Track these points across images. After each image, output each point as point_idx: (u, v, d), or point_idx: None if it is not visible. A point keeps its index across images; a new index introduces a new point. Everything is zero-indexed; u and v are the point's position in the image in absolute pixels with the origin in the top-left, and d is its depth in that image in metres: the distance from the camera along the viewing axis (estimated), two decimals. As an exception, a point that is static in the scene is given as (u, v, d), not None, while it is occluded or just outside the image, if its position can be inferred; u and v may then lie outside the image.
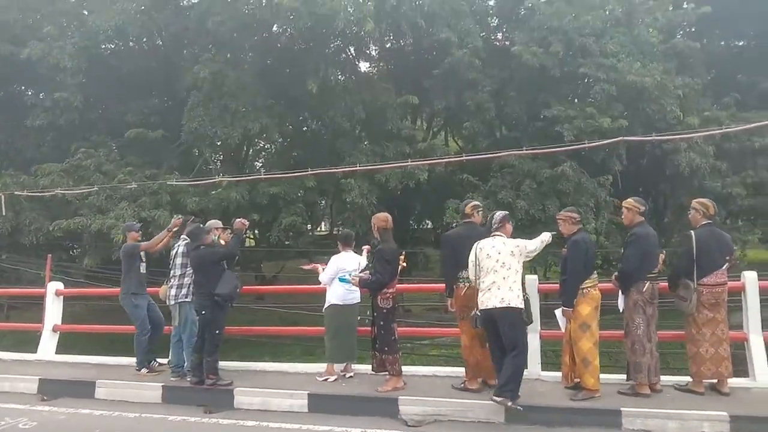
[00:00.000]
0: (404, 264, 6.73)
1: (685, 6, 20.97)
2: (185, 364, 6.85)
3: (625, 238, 5.76)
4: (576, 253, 5.57)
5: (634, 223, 5.76)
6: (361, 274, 6.52)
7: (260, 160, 25.48)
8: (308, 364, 7.62)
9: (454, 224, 17.39)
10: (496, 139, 23.06)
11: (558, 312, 5.79)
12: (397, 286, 6.48)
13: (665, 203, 22.85)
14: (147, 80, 18.51)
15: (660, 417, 5.03)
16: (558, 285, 5.77)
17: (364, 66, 22.87)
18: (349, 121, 18.15)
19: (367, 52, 21.60)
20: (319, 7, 14.65)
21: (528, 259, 5.59)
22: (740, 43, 23.58)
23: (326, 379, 6.63)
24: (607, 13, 18.43)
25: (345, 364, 6.81)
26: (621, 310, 5.73)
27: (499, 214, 5.89)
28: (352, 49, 20.39)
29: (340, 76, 17.98)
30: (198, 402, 6.39)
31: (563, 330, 5.79)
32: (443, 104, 18.83)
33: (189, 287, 6.78)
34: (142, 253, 7.37)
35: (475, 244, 5.69)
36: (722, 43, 23.07)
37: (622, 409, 5.17)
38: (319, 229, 40.03)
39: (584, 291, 5.54)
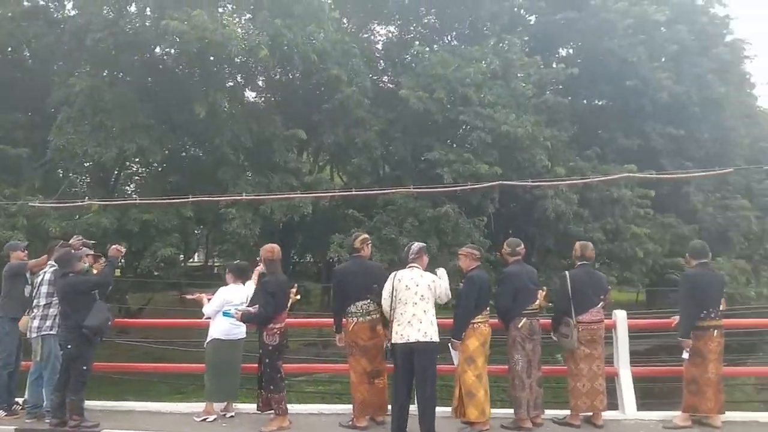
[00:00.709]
0: (297, 297, 6.58)
1: (554, 66, 23.02)
2: (44, 403, 6.16)
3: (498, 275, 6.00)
4: (470, 289, 5.74)
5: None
6: (244, 308, 6.28)
7: (131, 185, 24.15)
8: (182, 404, 7.13)
9: (336, 258, 17.51)
10: (380, 176, 23.65)
11: (455, 353, 5.90)
12: (286, 320, 6.31)
13: (532, 245, 24.37)
14: (10, 93, 17.00)
15: (538, 451, 5.28)
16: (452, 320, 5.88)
17: (250, 95, 22.68)
18: (234, 150, 17.76)
19: (256, 81, 21.46)
20: (211, 34, 14.32)
21: (439, 300, 5.69)
22: (600, 102, 26.12)
23: (205, 419, 6.24)
24: (486, 66, 19.66)
25: (226, 402, 6.48)
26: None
27: (416, 245, 5.93)
28: (239, 77, 20.17)
29: (226, 104, 17.54)
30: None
31: (456, 364, 5.91)
32: (331, 139, 18.99)
33: (54, 319, 6.15)
34: (28, 275, 6.60)
35: (393, 275, 5.69)
36: (584, 101, 25.38)
37: (504, 442, 5.36)
38: (192, 260, 38.39)
39: (474, 326, 5.70)
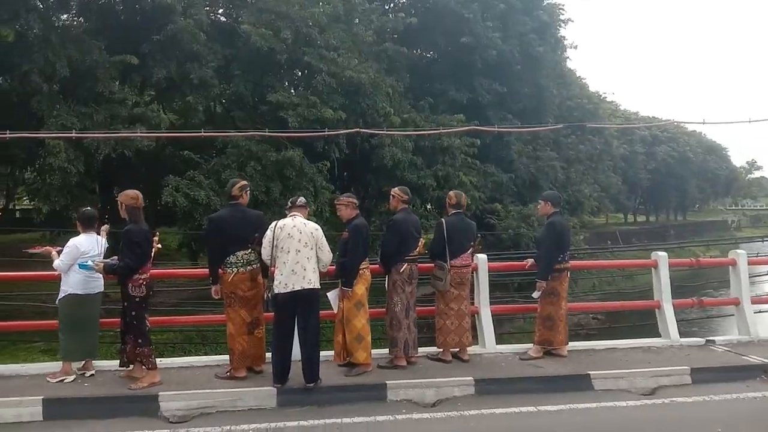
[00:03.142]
0: (159, 246, 6.14)
1: (391, 15, 23.32)
2: None
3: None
4: (357, 237, 5.78)
5: (397, 209, 6.23)
6: (106, 260, 5.74)
7: None
8: (31, 365, 6.39)
9: (172, 201, 16.43)
10: (212, 115, 22.47)
11: (331, 293, 5.95)
12: (151, 271, 5.88)
13: (367, 191, 25.04)
14: None
15: (419, 387, 5.58)
16: (333, 267, 5.90)
17: (61, 19, 19.91)
18: (48, 80, 15.63)
19: (69, 3, 18.86)
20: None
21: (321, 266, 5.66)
22: (433, 55, 27.12)
23: (62, 380, 5.66)
24: (330, 7, 19.33)
25: (84, 361, 5.92)
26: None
27: (300, 197, 5.81)
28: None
29: (38, 27, 15.25)
30: None
31: (335, 310, 5.98)
32: (163, 73, 17.49)
33: None
34: None
35: (273, 224, 5.50)
36: (419, 52, 26.18)
37: (387, 382, 5.59)
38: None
39: (360, 272, 5.81)
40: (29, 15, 13.93)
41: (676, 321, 7.43)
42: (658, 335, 7.46)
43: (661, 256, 7.48)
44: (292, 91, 20.48)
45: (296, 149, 17.30)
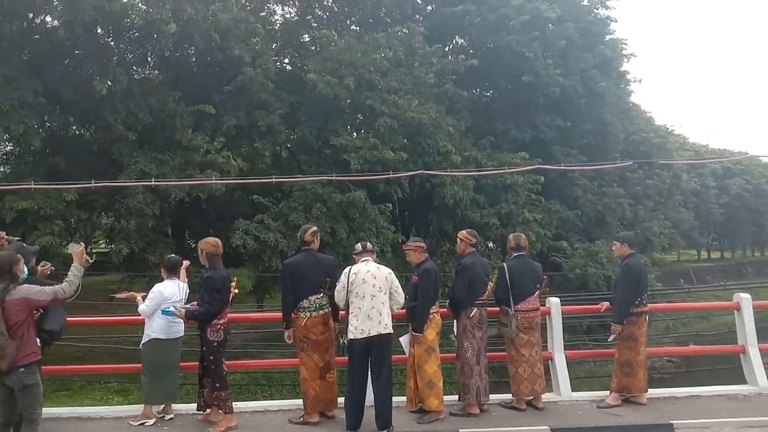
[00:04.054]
0: (236, 291, 6.34)
1: (450, 57, 23.65)
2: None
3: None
4: (428, 281, 5.82)
5: (465, 253, 6.23)
6: (187, 306, 5.97)
7: (4, 167, 21.89)
8: (113, 407, 6.67)
9: (242, 245, 16.93)
10: (279, 160, 23.20)
11: (404, 338, 5.97)
12: (229, 315, 6.07)
13: (428, 230, 25.07)
14: None
15: (492, 435, 5.50)
16: (404, 311, 5.93)
17: (140, 72, 21.23)
18: (129, 128, 16.62)
19: (147, 58, 20.13)
20: (109, 3, 13.21)
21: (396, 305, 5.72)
22: (492, 94, 27.26)
23: (143, 423, 5.87)
24: (391, 53, 19.82)
25: (164, 404, 6.12)
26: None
27: (368, 243, 5.93)
28: (130, 54, 18.84)
29: (126, 80, 16.30)
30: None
31: (407, 355, 5.99)
32: (233, 121, 18.30)
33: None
34: None
35: (348, 269, 5.63)
36: (479, 91, 26.37)
37: (460, 430, 5.52)
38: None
39: (431, 316, 5.82)
40: (116, 69, 14.92)
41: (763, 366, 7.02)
42: (741, 381, 7.05)
43: (744, 298, 7.12)
44: (354, 134, 20.96)
45: (360, 191, 17.61)
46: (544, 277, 6.48)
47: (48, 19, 15.43)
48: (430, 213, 22.60)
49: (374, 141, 18.32)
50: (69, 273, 5.16)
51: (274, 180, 12.50)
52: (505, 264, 6.41)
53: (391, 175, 11.94)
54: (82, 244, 5.76)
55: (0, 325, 4.55)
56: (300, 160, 21.20)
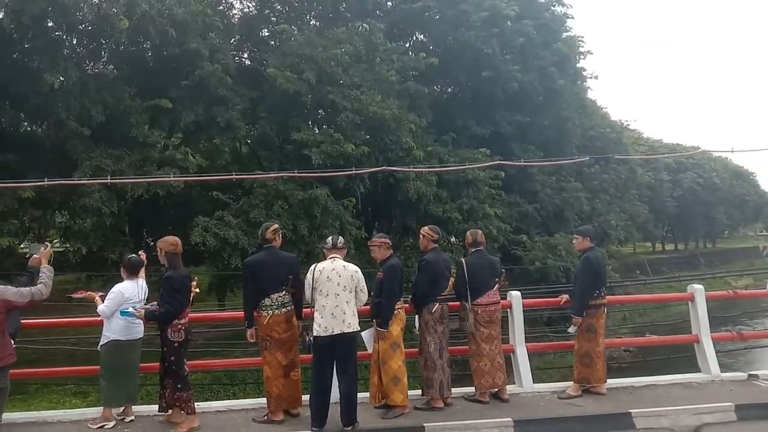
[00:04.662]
0: (197, 290, 6.24)
1: (411, 54, 23.72)
2: None
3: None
4: (393, 277, 5.83)
5: (427, 249, 6.27)
6: (147, 306, 5.84)
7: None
8: (71, 410, 6.46)
9: (201, 242, 16.67)
10: (240, 156, 22.90)
11: (366, 333, 5.96)
12: (190, 315, 5.97)
13: (391, 225, 25.10)
14: None
15: (458, 429, 5.52)
16: (368, 307, 5.93)
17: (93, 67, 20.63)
18: (83, 125, 16.12)
19: (100, 52, 19.55)
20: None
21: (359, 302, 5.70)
22: (450, 90, 27.41)
23: (103, 426, 5.72)
24: (352, 48, 19.73)
25: (124, 407, 5.98)
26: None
27: (338, 237, 5.89)
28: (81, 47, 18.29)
29: (77, 75, 15.80)
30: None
31: (370, 350, 5.99)
32: (191, 117, 17.94)
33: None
34: None
35: (312, 267, 5.59)
36: (440, 87, 26.49)
37: (425, 425, 5.55)
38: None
39: (395, 312, 5.83)
40: (67, 63, 14.45)
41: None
42: (695, 369, 7.30)
43: (698, 289, 7.36)
44: (316, 129, 20.83)
45: (322, 188, 17.50)
46: (503, 271, 6.57)
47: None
48: (393, 208, 22.63)
49: (337, 136, 18.22)
50: (41, 275, 5.10)
51: (234, 177, 12.32)
52: (463, 260, 6.47)
53: (354, 171, 11.92)
54: (48, 244, 5.59)
55: None
56: (260, 156, 20.96)
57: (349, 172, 12.18)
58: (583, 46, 27.47)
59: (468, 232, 6.72)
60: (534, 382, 6.74)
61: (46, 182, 10.38)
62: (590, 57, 33.20)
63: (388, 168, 12.64)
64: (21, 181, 11.21)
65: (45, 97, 15.14)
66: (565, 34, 26.73)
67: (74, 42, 17.16)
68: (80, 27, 16.46)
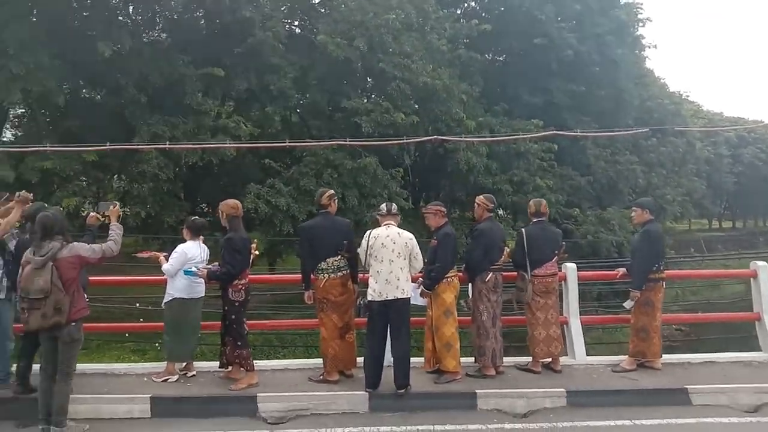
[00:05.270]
0: (257, 252, 6.42)
1: (463, 21, 23.23)
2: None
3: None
4: (447, 245, 5.86)
5: (482, 218, 6.25)
6: (209, 266, 6.04)
7: (12, 130, 21.90)
8: (135, 364, 6.80)
9: (254, 209, 17.00)
10: (290, 125, 23.06)
11: (419, 298, 6.02)
12: (249, 276, 6.15)
13: (438, 196, 24.95)
14: None
15: (509, 396, 5.57)
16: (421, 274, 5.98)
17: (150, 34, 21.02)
18: (140, 91, 16.54)
19: (155, 20, 19.91)
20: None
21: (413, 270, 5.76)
22: (502, 58, 26.81)
23: (166, 380, 6.00)
24: (403, 15, 19.48)
25: (186, 362, 6.25)
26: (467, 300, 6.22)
27: (393, 205, 5.95)
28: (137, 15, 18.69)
29: (131, 42, 16.16)
30: (11, 415, 5.30)
31: (419, 302, 6.06)
32: (244, 85, 18.16)
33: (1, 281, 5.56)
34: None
35: (368, 233, 5.67)
36: (492, 56, 25.95)
37: (477, 391, 5.61)
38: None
39: (448, 280, 5.87)
40: (120, 31, 14.79)
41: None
42: (752, 349, 7.10)
43: (761, 266, 7.11)
44: (364, 99, 20.77)
45: (371, 157, 17.52)
46: (563, 243, 6.50)
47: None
48: (441, 179, 22.50)
49: (387, 105, 18.15)
50: (111, 232, 5.33)
51: (288, 144, 12.48)
52: (523, 230, 6.42)
53: (406, 140, 11.90)
54: (117, 203, 5.81)
55: (57, 281, 4.67)
56: (310, 124, 21.06)
57: (402, 141, 12.17)
58: (641, 13, 26.40)
59: (531, 201, 6.64)
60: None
61: (108, 146, 10.79)
62: (649, 24, 31.80)
63: (440, 137, 12.56)
64: (87, 145, 11.64)
65: (104, 64, 15.57)
66: (623, 1, 25.70)
67: (130, 10, 17.49)
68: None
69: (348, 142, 10.96)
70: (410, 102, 18.75)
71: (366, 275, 5.81)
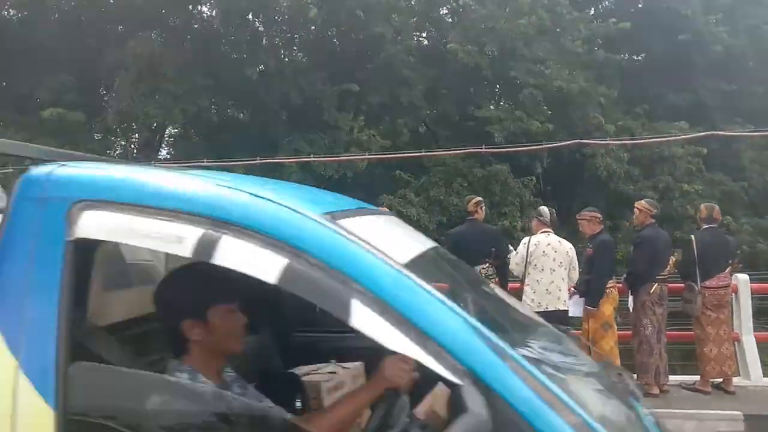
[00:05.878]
0: None
1: (597, 21, 22.18)
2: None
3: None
4: (605, 254, 5.58)
5: (644, 225, 5.85)
6: None
7: (167, 148, 24.01)
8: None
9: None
10: (419, 135, 23.28)
11: (572, 301, 5.72)
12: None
13: (571, 205, 23.87)
14: (59, 54, 16.76)
15: (677, 417, 5.11)
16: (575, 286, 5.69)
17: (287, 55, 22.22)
18: (282, 109, 17.52)
19: (294, 41, 21.00)
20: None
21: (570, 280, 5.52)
22: (640, 57, 25.23)
23: None
24: (536, 19, 18.98)
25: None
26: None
27: (549, 210, 5.79)
28: (277, 38, 19.78)
29: (273, 63, 17.19)
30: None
31: (576, 314, 5.76)
32: (376, 99, 18.61)
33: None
34: None
35: (527, 239, 5.55)
36: (631, 56, 24.56)
37: (641, 411, 5.21)
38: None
39: (606, 291, 5.56)
40: (267, 54, 15.75)
41: None
42: None
43: None
44: (491, 107, 20.47)
45: (502, 164, 17.20)
46: (738, 251, 5.92)
47: (205, 9, 16.61)
48: (577, 187, 21.55)
49: (519, 113, 17.78)
50: None
51: (423, 154, 12.65)
52: (693, 236, 5.94)
53: (544, 146, 11.52)
54: None
55: None
56: (438, 134, 21.11)
57: (539, 147, 11.83)
58: (805, -2, 23.70)
59: (702, 206, 6.20)
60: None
61: (258, 161, 11.53)
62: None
63: (580, 141, 12.04)
64: (238, 159, 12.46)
65: (249, 85, 16.67)
66: (783, -14, 23.25)
67: (271, 33, 18.60)
68: (276, 18, 17.90)
69: (483, 150, 10.86)
70: (543, 108, 18.18)
71: (516, 285, 5.62)
